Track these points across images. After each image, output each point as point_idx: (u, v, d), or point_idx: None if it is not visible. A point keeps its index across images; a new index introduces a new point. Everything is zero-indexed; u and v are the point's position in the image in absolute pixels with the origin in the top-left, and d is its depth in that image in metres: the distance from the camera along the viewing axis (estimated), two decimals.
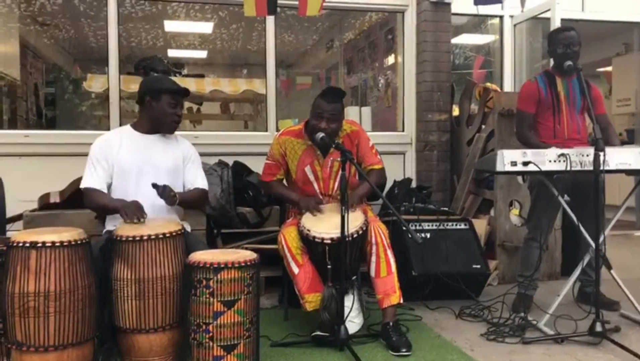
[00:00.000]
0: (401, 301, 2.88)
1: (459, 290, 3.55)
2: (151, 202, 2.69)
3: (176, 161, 2.88)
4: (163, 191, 2.62)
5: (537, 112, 3.41)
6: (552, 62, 3.59)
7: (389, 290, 2.86)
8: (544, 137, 3.37)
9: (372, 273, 2.90)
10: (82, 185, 2.75)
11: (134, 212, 2.53)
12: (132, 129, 2.89)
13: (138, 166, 2.78)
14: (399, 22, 5.08)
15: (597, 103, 3.40)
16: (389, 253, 2.89)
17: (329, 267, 2.81)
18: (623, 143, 6.62)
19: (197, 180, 2.93)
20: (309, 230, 2.85)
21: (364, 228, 2.86)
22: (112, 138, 2.84)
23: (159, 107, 2.81)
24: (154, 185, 2.61)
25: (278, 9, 4.63)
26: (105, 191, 2.75)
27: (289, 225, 3.06)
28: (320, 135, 2.96)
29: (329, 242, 2.78)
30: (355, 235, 2.79)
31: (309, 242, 2.87)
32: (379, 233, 2.90)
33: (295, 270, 2.90)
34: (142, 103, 2.86)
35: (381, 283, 2.87)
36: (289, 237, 2.93)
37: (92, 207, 2.77)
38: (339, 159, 2.84)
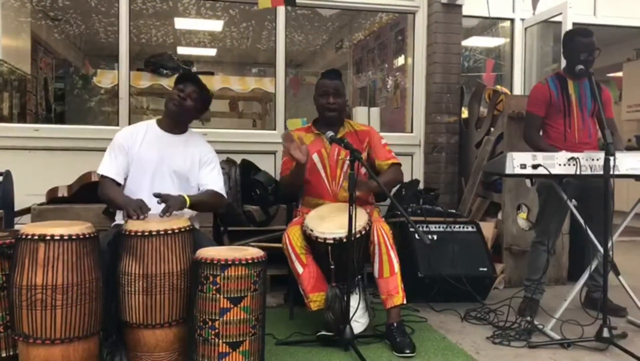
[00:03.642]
0: (404, 302, 2.87)
1: (465, 293, 3.54)
2: None
3: (192, 164, 2.88)
4: (164, 200, 2.58)
5: (547, 115, 3.39)
6: (563, 63, 3.55)
7: (392, 290, 2.86)
8: (554, 141, 3.35)
9: (376, 273, 2.89)
10: (99, 171, 2.77)
11: (135, 209, 2.51)
12: (156, 125, 2.91)
13: (155, 163, 2.80)
14: (409, 23, 5.07)
15: (606, 106, 3.38)
16: (392, 253, 2.88)
17: (332, 266, 2.81)
18: (633, 149, 6.61)
19: (211, 183, 2.90)
20: (312, 230, 2.85)
21: (367, 228, 2.85)
22: (138, 132, 2.85)
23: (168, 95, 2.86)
24: (156, 195, 2.58)
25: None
26: (121, 181, 2.77)
27: (294, 224, 3.06)
28: (330, 133, 2.99)
29: (331, 241, 2.78)
30: (358, 235, 2.78)
31: (312, 242, 2.87)
32: (382, 233, 2.89)
33: (300, 269, 2.90)
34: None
35: (384, 283, 2.87)
36: (293, 237, 2.93)
37: (104, 197, 2.76)
38: (347, 158, 2.84)
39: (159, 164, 2.80)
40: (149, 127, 2.90)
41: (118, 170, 2.76)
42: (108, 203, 2.81)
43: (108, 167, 2.77)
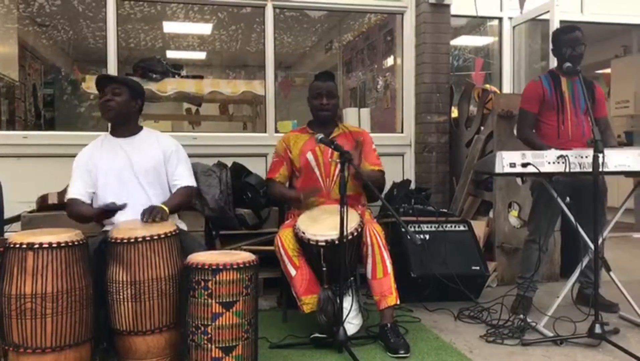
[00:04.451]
0: (398, 302, 2.88)
1: (458, 292, 3.54)
2: (140, 204, 2.72)
3: (157, 160, 2.88)
4: (149, 214, 2.61)
5: (540, 112, 3.40)
6: (555, 61, 3.58)
7: (386, 291, 2.85)
8: (547, 138, 3.35)
9: (369, 274, 2.89)
10: (66, 196, 2.80)
11: (101, 215, 2.61)
12: (110, 136, 2.94)
13: (118, 171, 2.81)
14: (398, 24, 5.08)
15: (599, 104, 3.40)
16: (385, 254, 2.88)
17: (324, 269, 2.80)
18: (622, 145, 6.65)
19: (181, 177, 2.93)
20: (303, 232, 2.84)
21: (359, 230, 2.85)
22: (94, 147, 2.90)
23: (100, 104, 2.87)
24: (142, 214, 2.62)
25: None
26: (87, 200, 2.79)
27: (286, 226, 3.05)
28: (320, 136, 2.98)
29: (323, 243, 2.77)
30: (350, 237, 2.78)
31: (304, 244, 2.87)
32: (375, 234, 2.89)
33: (292, 272, 2.90)
34: None
35: (377, 284, 2.87)
36: (285, 239, 2.93)
37: (73, 216, 2.79)
38: (338, 160, 2.84)
39: (123, 171, 2.81)
40: (104, 139, 2.94)
41: (80, 191, 2.79)
42: (81, 219, 2.79)
43: (71, 189, 2.80)
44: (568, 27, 3.45)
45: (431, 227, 3.83)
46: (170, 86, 5.68)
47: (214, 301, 2.18)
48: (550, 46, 3.51)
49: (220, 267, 2.19)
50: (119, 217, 2.72)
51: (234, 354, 2.20)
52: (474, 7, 4.98)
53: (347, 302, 2.83)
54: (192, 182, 2.98)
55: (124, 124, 2.90)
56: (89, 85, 6.35)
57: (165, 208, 2.69)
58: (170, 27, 7.27)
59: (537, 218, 3.39)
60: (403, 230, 3.43)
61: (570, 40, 3.32)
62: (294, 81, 8.36)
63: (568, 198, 3.11)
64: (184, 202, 2.92)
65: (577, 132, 3.35)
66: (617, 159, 2.91)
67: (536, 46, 5.68)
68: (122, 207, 2.68)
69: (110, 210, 2.68)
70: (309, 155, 3.23)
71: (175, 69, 6.10)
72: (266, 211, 3.95)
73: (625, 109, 7.76)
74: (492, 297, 3.51)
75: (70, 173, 2.87)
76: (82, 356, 2.23)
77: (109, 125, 3.07)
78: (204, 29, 7.40)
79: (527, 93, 3.47)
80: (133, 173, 2.81)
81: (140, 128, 2.97)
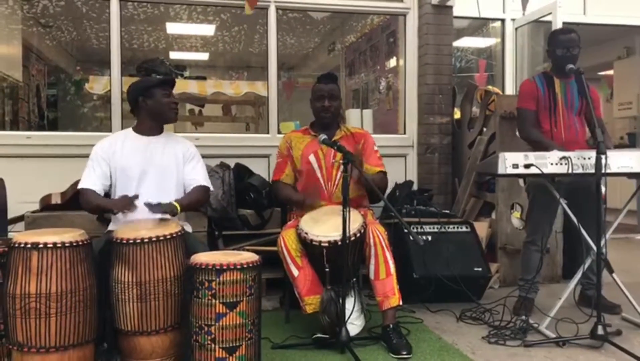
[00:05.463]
0: (400, 303, 2.88)
1: (460, 293, 3.55)
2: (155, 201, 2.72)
3: (177, 160, 2.91)
4: (158, 208, 2.63)
5: (536, 111, 3.40)
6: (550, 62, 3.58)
7: (388, 292, 2.86)
8: None
9: (372, 275, 2.90)
10: (80, 186, 2.78)
11: (123, 205, 2.59)
12: (133, 132, 2.92)
13: (141, 167, 2.80)
14: (400, 25, 5.08)
15: (595, 106, 3.39)
16: (388, 255, 2.89)
17: (326, 269, 2.81)
18: (625, 146, 6.64)
19: (199, 178, 2.94)
20: (306, 233, 2.85)
21: (362, 231, 2.86)
22: (115, 141, 2.87)
23: (155, 102, 2.86)
24: (147, 205, 2.62)
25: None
26: (102, 193, 2.78)
27: (289, 227, 3.06)
28: (323, 137, 3.00)
29: (326, 244, 2.78)
30: (352, 238, 2.78)
31: (307, 245, 2.88)
32: (377, 235, 2.90)
33: (295, 272, 2.91)
34: (136, 106, 2.91)
35: (380, 285, 2.87)
36: (288, 240, 2.94)
37: (87, 207, 2.79)
38: (341, 162, 2.85)
39: (144, 167, 2.81)
40: (126, 134, 2.93)
41: (95, 181, 2.77)
42: (95, 210, 2.82)
43: (87, 179, 2.78)
44: (565, 29, 3.45)
45: (433, 228, 3.84)
46: None
47: (217, 301, 2.19)
48: (546, 47, 3.51)
49: (224, 267, 2.19)
50: (137, 215, 2.70)
51: (237, 354, 2.21)
52: (476, 8, 4.98)
53: (350, 303, 2.84)
54: (209, 184, 2.99)
55: (160, 125, 2.96)
56: (92, 85, 6.39)
57: (177, 205, 2.70)
58: (173, 28, 7.29)
59: (535, 219, 3.39)
60: (406, 231, 3.44)
61: (566, 41, 3.31)
62: (297, 82, 8.38)
63: (563, 200, 3.10)
64: (200, 199, 2.92)
65: (569, 134, 3.35)
66: (619, 160, 2.91)
67: (539, 48, 5.68)
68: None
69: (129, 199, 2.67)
70: (312, 158, 3.23)
71: (179, 69, 6.14)
72: (269, 212, 3.96)
73: (628, 110, 7.76)
74: (494, 298, 3.51)
75: (69, 174, 2.86)
76: (86, 355, 2.23)
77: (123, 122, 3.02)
78: (207, 30, 7.42)
79: (523, 91, 3.45)
80: (156, 171, 2.82)
81: (162, 129, 2.99)
